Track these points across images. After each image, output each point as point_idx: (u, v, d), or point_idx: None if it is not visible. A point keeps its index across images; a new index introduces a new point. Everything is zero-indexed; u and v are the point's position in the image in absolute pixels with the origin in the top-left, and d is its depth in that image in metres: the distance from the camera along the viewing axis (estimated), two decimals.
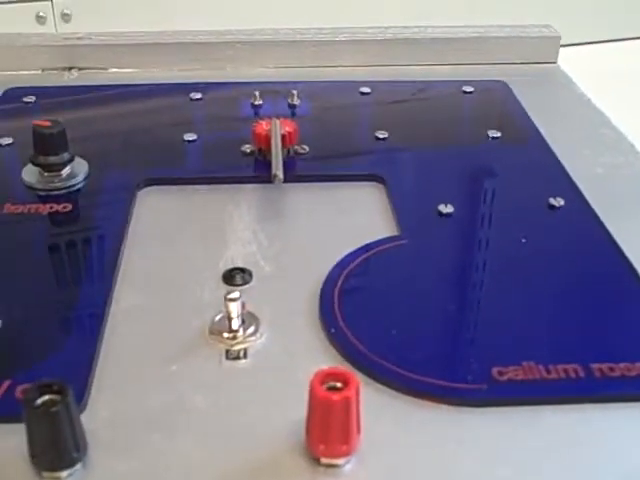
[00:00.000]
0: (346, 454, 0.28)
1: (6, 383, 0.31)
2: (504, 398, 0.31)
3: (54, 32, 0.66)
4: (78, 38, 0.61)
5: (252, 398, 0.32)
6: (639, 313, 0.36)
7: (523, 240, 0.40)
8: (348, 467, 0.29)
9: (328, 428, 0.28)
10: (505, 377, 0.32)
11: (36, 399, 0.27)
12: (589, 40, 0.72)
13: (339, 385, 0.28)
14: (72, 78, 0.59)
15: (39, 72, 0.60)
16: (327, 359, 0.33)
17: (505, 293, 0.37)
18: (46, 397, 0.27)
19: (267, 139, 0.46)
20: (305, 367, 0.31)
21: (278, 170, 0.42)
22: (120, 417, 0.31)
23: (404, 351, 0.33)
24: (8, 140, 0.49)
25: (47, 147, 0.44)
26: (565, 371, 0.32)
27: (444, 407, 0.31)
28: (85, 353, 0.33)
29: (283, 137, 0.46)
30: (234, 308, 0.34)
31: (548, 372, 0.32)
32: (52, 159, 0.45)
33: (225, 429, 0.30)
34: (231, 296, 0.33)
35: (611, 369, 0.32)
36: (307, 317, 0.36)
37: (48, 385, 0.27)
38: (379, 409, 0.31)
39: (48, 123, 0.44)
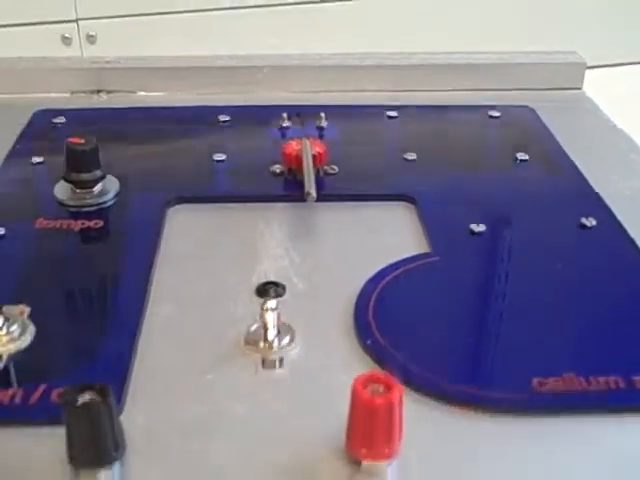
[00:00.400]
0: (388, 457, 0.28)
1: (42, 387, 0.31)
2: (545, 407, 0.31)
3: (80, 54, 0.67)
4: (107, 62, 0.61)
5: (289, 406, 0.32)
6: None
7: (557, 261, 0.40)
8: (388, 471, 0.28)
9: (371, 431, 0.27)
10: (545, 388, 0.31)
11: (77, 399, 0.27)
12: (613, 62, 0.73)
13: (381, 389, 0.27)
14: (101, 101, 0.60)
15: (68, 95, 0.61)
16: (362, 368, 0.33)
17: (540, 307, 0.37)
18: (87, 397, 0.27)
19: (297, 159, 0.47)
20: (341, 376, 0.30)
21: (311, 188, 0.42)
22: (155, 424, 0.31)
23: (442, 361, 0.33)
24: (39, 159, 0.50)
25: (79, 164, 0.45)
26: (606, 382, 0.32)
27: (483, 415, 0.31)
28: (120, 362, 0.33)
29: (313, 157, 0.46)
30: (270, 318, 0.34)
31: (589, 383, 0.32)
32: (84, 176, 0.45)
33: (262, 437, 0.30)
34: (268, 306, 0.33)
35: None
36: (341, 329, 0.36)
37: (89, 387, 0.27)
38: (418, 417, 0.30)
39: (81, 140, 0.45)
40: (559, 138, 0.53)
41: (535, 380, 0.32)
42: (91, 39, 0.67)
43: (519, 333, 0.35)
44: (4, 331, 0.33)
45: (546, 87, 0.61)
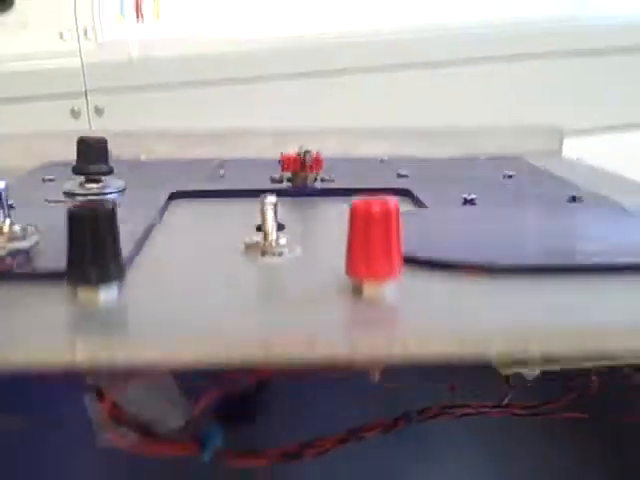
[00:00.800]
0: (389, 275, 0.28)
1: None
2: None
3: (88, 126, 0.71)
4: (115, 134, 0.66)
5: (289, 274, 0.32)
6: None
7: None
8: (388, 295, 0.28)
9: (369, 244, 0.28)
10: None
11: (83, 209, 0.27)
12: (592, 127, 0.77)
13: (377, 205, 0.28)
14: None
15: None
16: None
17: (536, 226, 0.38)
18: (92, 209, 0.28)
19: (296, 164, 0.49)
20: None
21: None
22: (154, 279, 0.31)
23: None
24: (51, 176, 0.52)
25: (91, 156, 0.47)
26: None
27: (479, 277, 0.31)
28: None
29: (310, 167, 0.49)
30: (270, 214, 0.34)
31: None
32: (93, 168, 0.47)
33: (264, 290, 0.30)
34: (267, 200, 0.34)
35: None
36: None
37: (96, 204, 0.28)
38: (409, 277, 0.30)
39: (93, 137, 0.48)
40: (540, 167, 0.56)
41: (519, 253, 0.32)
42: (99, 111, 0.71)
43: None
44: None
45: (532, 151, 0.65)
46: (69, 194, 0.47)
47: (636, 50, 0.81)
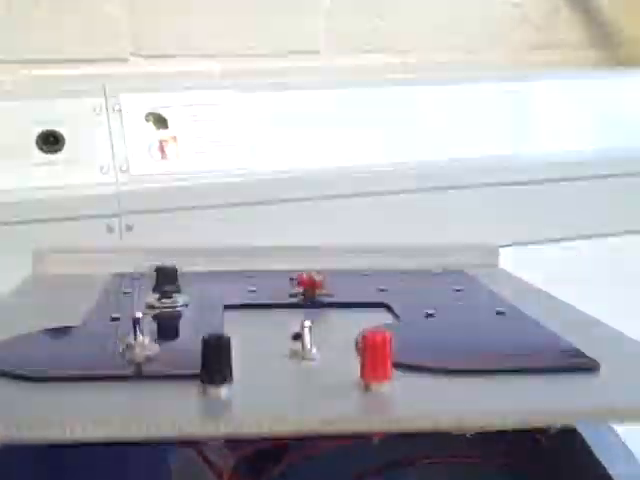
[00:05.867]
0: (387, 378, 0.48)
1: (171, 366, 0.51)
2: None
3: (119, 239, 0.91)
4: (159, 249, 0.86)
5: (322, 373, 0.52)
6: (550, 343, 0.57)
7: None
8: (387, 390, 0.48)
9: (376, 359, 0.48)
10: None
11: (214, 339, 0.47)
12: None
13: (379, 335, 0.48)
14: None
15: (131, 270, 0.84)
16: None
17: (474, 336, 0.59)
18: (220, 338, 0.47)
19: (309, 282, 0.70)
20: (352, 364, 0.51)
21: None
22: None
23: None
24: (128, 290, 0.72)
25: (166, 279, 0.67)
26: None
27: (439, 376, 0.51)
28: None
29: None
30: (308, 332, 0.55)
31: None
32: (168, 287, 0.67)
33: (307, 382, 0.50)
34: (305, 324, 0.55)
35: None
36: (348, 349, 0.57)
37: (219, 335, 0.48)
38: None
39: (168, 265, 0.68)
40: (481, 280, 0.78)
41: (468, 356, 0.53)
42: (128, 227, 0.92)
43: (457, 341, 0.57)
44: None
45: (473, 264, 0.87)
46: (151, 307, 0.67)
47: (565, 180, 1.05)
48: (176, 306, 0.67)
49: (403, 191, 0.98)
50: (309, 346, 0.55)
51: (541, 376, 0.52)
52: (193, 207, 0.91)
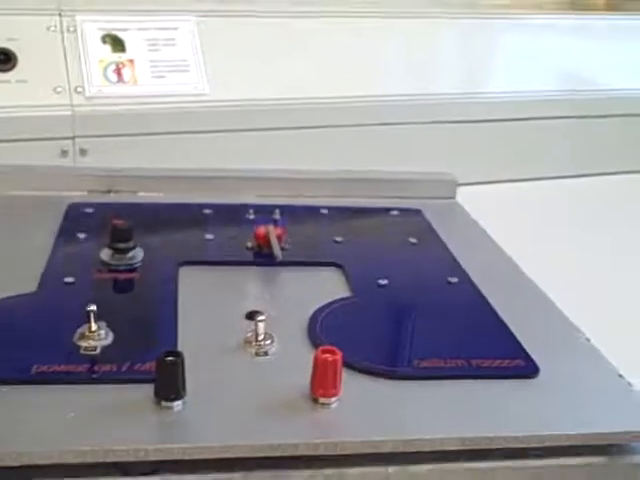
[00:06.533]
0: (335, 395, 0.50)
1: (127, 363, 0.52)
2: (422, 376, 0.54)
3: (73, 164, 0.89)
4: (115, 170, 0.84)
5: (274, 373, 0.54)
6: (494, 336, 0.59)
7: (429, 298, 0.64)
8: (334, 405, 0.50)
9: (325, 379, 0.50)
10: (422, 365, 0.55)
11: (165, 358, 0.48)
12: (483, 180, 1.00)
13: (330, 356, 0.50)
14: (112, 197, 0.82)
15: (85, 193, 0.83)
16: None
17: (420, 321, 0.60)
18: (170, 357, 0.48)
19: (264, 238, 0.70)
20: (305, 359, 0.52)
21: (278, 252, 0.66)
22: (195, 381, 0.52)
23: (362, 351, 0.56)
24: (84, 235, 0.71)
25: (120, 237, 0.67)
26: (455, 363, 0.55)
27: (386, 380, 0.53)
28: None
29: (277, 237, 0.70)
30: (261, 326, 0.56)
31: (445, 363, 0.55)
32: (122, 245, 0.67)
33: (255, 388, 0.52)
34: (259, 318, 0.56)
35: (482, 362, 0.56)
36: (301, 336, 0.58)
37: (171, 352, 0.49)
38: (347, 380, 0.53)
39: (122, 222, 0.67)
40: (438, 229, 0.79)
41: (416, 361, 0.55)
42: (83, 152, 0.89)
43: (407, 336, 0.59)
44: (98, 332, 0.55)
45: (431, 196, 0.87)
46: (105, 263, 0.67)
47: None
48: (131, 264, 0.67)
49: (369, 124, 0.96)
50: (262, 338, 0.56)
51: (482, 382, 0.54)
52: (148, 132, 0.89)
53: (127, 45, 0.90)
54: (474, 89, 1.02)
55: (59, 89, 0.86)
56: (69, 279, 0.63)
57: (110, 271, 0.66)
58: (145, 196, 0.83)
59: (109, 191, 0.83)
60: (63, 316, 0.58)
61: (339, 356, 0.50)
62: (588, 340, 0.61)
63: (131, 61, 0.89)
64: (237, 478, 0.47)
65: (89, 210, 0.77)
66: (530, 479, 0.50)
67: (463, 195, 0.88)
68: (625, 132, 1.13)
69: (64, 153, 0.87)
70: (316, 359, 0.50)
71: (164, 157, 0.87)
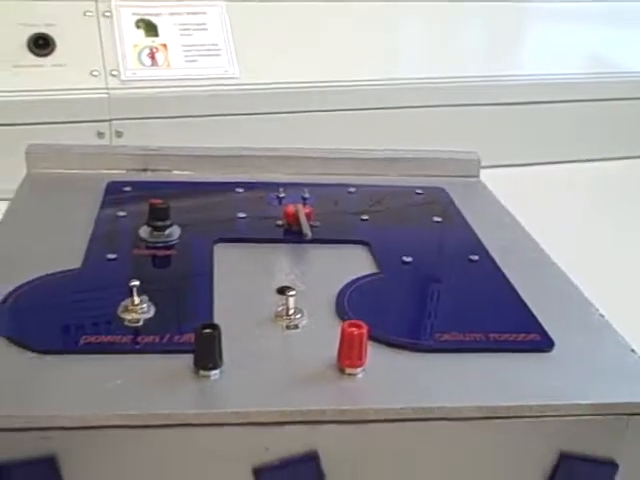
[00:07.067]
0: (360, 366, 0.54)
1: (167, 335, 0.56)
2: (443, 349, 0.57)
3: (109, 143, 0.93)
4: (152, 149, 0.88)
5: (304, 345, 0.57)
6: (512, 311, 0.63)
7: (453, 274, 0.67)
8: (360, 375, 0.54)
9: (351, 351, 0.53)
10: (443, 338, 0.58)
11: (203, 330, 0.52)
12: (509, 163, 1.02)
13: (356, 330, 0.53)
14: (149, 175, 0.86)
15: (124, 172, 0.87)
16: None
17: (442, 297, 0.64)
18: (207, 330, 0.52)
19: (294, 216, 0.74)
20: (333, 332, 0.56)
21: (308, 231, 0.69)
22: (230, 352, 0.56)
23: (388, 324, 0.59)
24: (122, 213, 0.75)
25: (158, 216, 0.70)
26: (474, 337, 0.59)
27: (410, 353, 0.57)
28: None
29: (306, 215, 0.73)
30: (292, 300, 0.59)
31: (465, 336, 0.58)
32: (160, 223, 0.71)
33: (286, 359, 0.56)
34: (290, 293, 0.59)
35: (500, 336, 0.59)
36: (329, 311, 0.62)
37: (209, 324, 0.53)
38: (372, 352, 0.56)
39: (160, 201, 0.71)
40: (460, 208, 0.82)
41: (437, 334, 0.58)
42: (119, 134, 0.93)
43: (429, 311, 0.62)
44: (141, 306, 0.59)
45: (455, 174, 0.90)
46: (144, 240, 0.71)
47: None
48: (168, 241, 0.71)
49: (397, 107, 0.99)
50: (292, 312, 0.60)
51: (499, 355, 0.57)
52: (181, 115, 0.92)
53: (160, 30, 0.93)
54: (499, 72, 1.04)
55: (95, 72, 0.90)
56: (111, 255, 0.67)
57: (148, 248, 0.70)
58: (179, 174, 0.87)
59: (145, 170, 0.87)
60: (107, 290, 0.63)
61: (365, 329, 0.53)
62: (602, 316, 0.64)
63: (164, 45, 0.92)
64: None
65: (127, 188, 0.81)
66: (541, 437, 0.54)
67: (489, 176, 0.90)
68: None
69: (100, 135, 0.91)
70: (343, 332, 0.53)
71: (196, 138, 0.91)
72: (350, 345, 0.53)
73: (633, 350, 0.60)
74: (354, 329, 0.53)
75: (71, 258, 0.67)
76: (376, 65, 0.98)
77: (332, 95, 0.97)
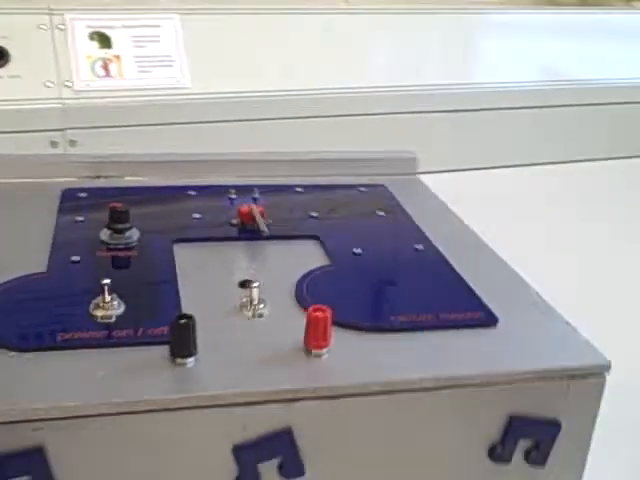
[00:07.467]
0: (326, 347, 0.58)
1: (141, 328, 0.59)
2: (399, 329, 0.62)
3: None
4: (104, 156, 0.90)
5: (270, 332, 0.61)
6: (458, 293, 0.68)
7: (400, 264, 0.72)
8: (326, 356, 0.58)
9: (317, 333, 0.58)
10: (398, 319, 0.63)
11: (178, 320, 0.55)
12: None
13: (321, 313, 0.58)
14: (101, 182, 0.89)
15: (76, 179, 0.89)
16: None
17: (392, 281, 0.69)
18: (183, 320, 0.56)
19: (248, 215, 0.77)
20: (295, 319, 0.60)
21: (264, 228, 0.73)
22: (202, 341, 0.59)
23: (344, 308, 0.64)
24: (81, 218, 0.78)
25: (119, 219, 0.73)
26: (426, 317, 0.64)
27: (366, 334, 0.62)
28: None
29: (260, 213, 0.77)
30: (255, 291, 0.63)
31: (417, 317, 0.63)
32: (120, 226, 0.74)
33: (255, 344, 0.59)
34: (254, 284, 0.63)
35: (449, 315, 0.64)
36: (289, 300, 0.66)
37: (184, 315, 0.56)
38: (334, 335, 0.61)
39: (119, 205, 0.74)
40: (401, 203, 0.87)
41: (392, 316, 0.63)
42: (72, 143, 0.96)
43: (383, 296, 0.67)
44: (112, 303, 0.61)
45: (394, 172, 0.95)
46: (105, 243, 0.73)
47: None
48: (129, 243, 0.74)
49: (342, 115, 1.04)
50: (256, 303, 0.64)
51: (450, 331, 0.63)
52: (134, 124, 0.95)
53: (113, 42, 0.96)
54: (452, 80, 1.10)
55: (49, 84, 0.93)
56: (75, 258, 0.70)
57: (110, 250, 0.72)
58: (131, 180, 0.90)
59: (98, 176, 0.90)
60: (76, 290, 0.65)
61: (329, 312, 0.58)
62: (538, 295, 0.70)
63: (117, 57, 0.95)
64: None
65: (83, 195, 0.83)
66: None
67: (437, 180, 0.96)
68: (593, 120, 1.23)
69: (54, 144, 0.93)
70: (309, 316, 0.58)
71: (149, 147, 0.94)
72: (316, 327, 0.58)
73: (568, 322, 0.66)
74: (319, 313, 0.58)
75: (35, 262, 0.69)
76: (327, 74, 1.03)
77: (279, 104, 1.01)
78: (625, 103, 1.21)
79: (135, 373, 0.55)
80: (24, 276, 0.67)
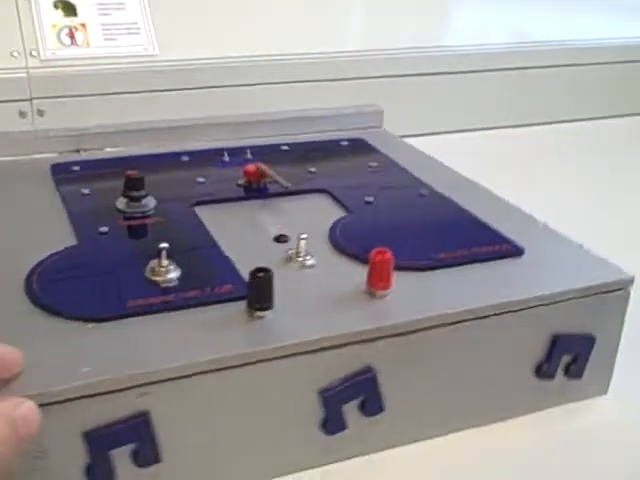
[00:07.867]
0: (389, 288, 0.61)
1: (208, 288, 0.60)
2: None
3: (32, 124, 0.92)
4: (80, 129, 0.88)
5: (326, 280, 0.63)
6: (481, 230, 0.73)
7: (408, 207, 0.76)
8: (389, 296, 0.61)
9: (382, 275, 0.60)
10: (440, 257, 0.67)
11: (256, 273, 0.57)
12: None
13: (383, 256, 0.60)
14: (82, 155, 0.87)
15: (56, 155, 0.86)
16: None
17: (420, 225, 0.72)
18: (261, 273, 0.57)
19: (255, 174, 0.78)
20: (341, 267, 0.62)
21: (286, 183, 0.75)
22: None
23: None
24: (86, 191, 0.76)
25: (136, 186, 0.72)
26: (461, 253, 0.68)
27: (414, 273, 0.65)
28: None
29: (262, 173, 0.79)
30: (303, 243, 0.65)
31: (454, 253, 0.68)
32: (136, 194, 0.73)
33: (318, 292, 0.62)
34: (302, 236, 0.65)
35: (480, 249, 0.69)
36: (328, 250, 0.68)
37: (262, 269, 0.57)
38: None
39: (135, 172, 0.73)
40: (385, 152, 0.91)
41: (433, 254, 0.67)
42: (40, 113, 0.93)
43: (416, 237, 0.70)
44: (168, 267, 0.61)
45: (364, 126, 0.98)
46: (123, 212, 0.72)
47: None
48: (146, 210, 0.73)
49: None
50: (304, 254, 0.66)
51: (485, 264, 0.67)
52: (102, 93, 0.93)
53: (79, 10, 0.93)
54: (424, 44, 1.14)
55: (15, 53, 0.89)
56: (103, 229, 0.69)
57: (133, 218, 0.72)
58: (112, 151, 0.88)
59: (78, 150, 0.87)
60: (119, 259, 0.64)
61: (389, 254, 0.61)
62: (546, 225, 0.76)
63: (83, 25, 0.92)
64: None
65: (76, 168, 0.81)
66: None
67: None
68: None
69: (22, 114, 0.89)
70: (373, 260, 0.60)
71: (118, 116, 0.92)
72: (381, 270, 0.60)
73: (581, 245, 0.72)
74: (381, 255, 0.60)
75: (61, 238, 0.67)
76: (300, 39, 1.04)
77: (246, 70, 1.02)
78: (592, 64, 1.29)
79: (219, 330, 0.56)
80: (58, 252, 0.65)
